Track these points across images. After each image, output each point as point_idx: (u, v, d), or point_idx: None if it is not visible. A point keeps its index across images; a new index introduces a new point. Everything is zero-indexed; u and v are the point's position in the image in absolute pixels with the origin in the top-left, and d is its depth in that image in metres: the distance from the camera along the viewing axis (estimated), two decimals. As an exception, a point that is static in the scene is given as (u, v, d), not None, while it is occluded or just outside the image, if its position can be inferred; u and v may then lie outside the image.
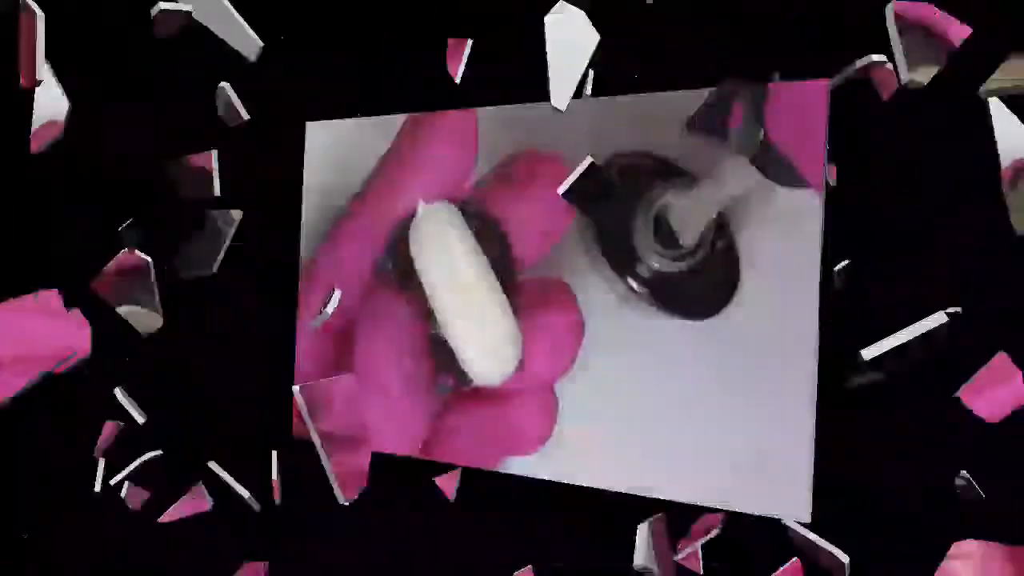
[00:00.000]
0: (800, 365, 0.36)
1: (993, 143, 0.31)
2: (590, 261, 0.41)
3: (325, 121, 0.45)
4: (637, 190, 0.39)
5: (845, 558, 0.34)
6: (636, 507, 0.38)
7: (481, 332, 0.41)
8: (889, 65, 0.33)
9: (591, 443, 0.40)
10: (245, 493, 0.45)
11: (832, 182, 0.35)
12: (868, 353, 0.34)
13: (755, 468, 0.36)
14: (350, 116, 0.45)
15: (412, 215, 0.42)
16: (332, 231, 0.45)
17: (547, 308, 0.39)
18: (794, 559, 0.34)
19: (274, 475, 0.44)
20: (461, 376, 0.41)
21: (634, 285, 0.39)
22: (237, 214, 0.45)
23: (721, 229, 0.38)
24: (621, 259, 0.39)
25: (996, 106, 0.31)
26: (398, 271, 0.42)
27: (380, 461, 0.40)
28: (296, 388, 0.36)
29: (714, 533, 0.35)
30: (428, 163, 0.43)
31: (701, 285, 0.38)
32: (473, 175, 0.42)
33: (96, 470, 0.47)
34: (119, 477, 0.47)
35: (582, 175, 0.40)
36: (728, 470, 0.37)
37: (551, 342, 0.40)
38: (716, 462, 0.37)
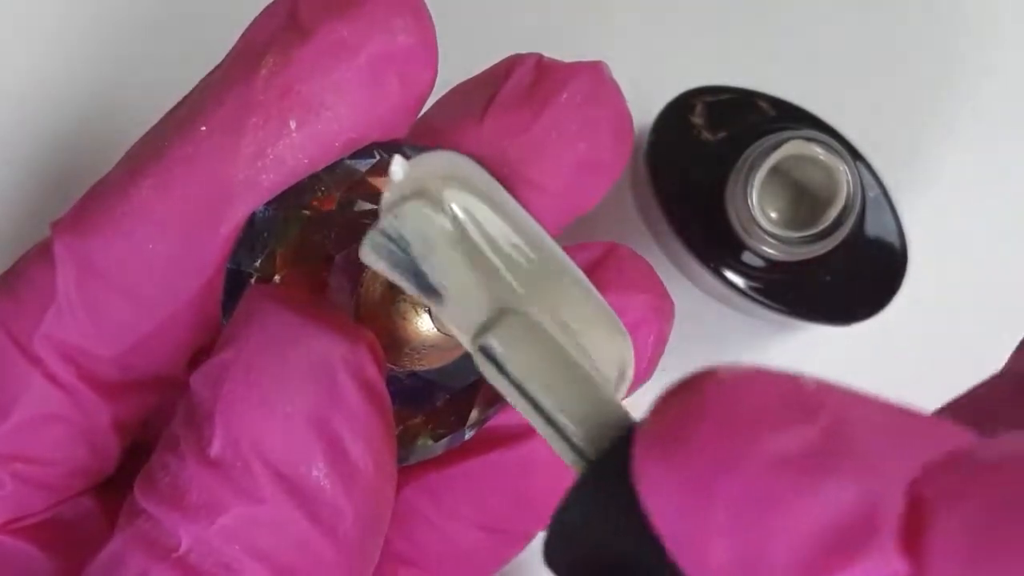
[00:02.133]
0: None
1: None
2: (658, 242, 0.28)
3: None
4: (738, 138, 0.25)
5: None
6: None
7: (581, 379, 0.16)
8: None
9: None
10: None
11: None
12: None
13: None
14: None
15: (311, 172, 0.19)
16: (93, 207, 0.19)
17: (601, 288, 0.19)
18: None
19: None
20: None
21: (736, 280, 0.26)
22: None
23: (871, 196, 0.26)
24: (710, 241, 0.26)
25: None
26: (277, 277, 0.19)
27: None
28: None
29: None
30: (337, 64, 0.18)
31: (842, 276, 0.26)
32: (431, 88, 0.20)
33: None
34: None
35: (663, 115, 0.25)
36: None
37: None
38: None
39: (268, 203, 0.19)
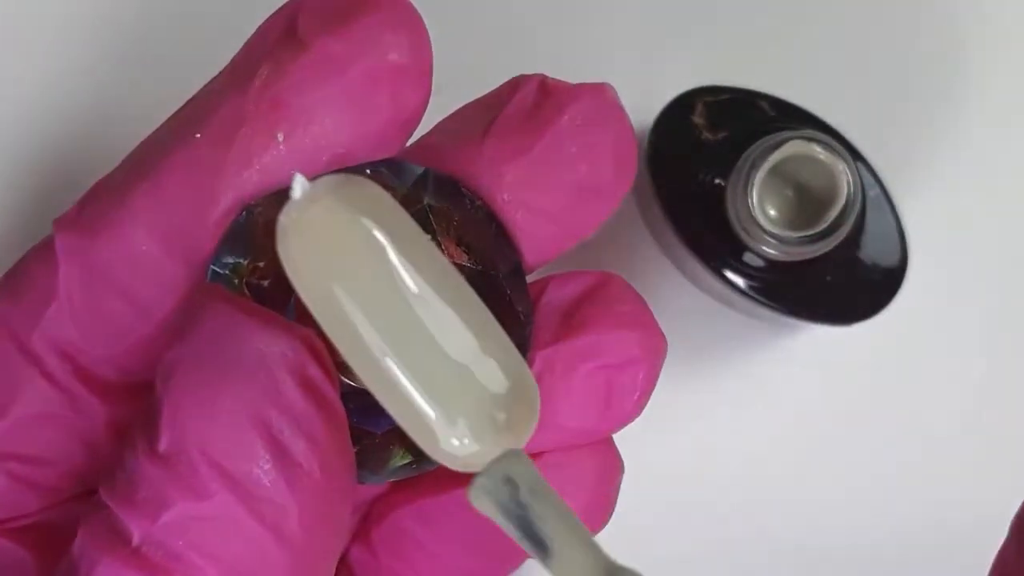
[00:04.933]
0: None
1: None
2: (658, 241, 0.28)
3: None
4: (738, 138, 0.25)
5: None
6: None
7: (450, 388, 0.18)
8: None
9: (674, 527, 0.27)
10: None
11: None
12: None
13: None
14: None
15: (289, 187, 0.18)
16: (92, 206, 0.20)
17: (590, 324, 0.20)
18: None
19: None
20: (401, 460, 0.20)
21: (736, 280, 0.26)
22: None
23: (872, 197, 0.25)
24: (710, 241, 0.26)
25: None
26: (261, 280, 0.20)
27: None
28: None
29: None
30: (327, 79, 0.19)
31: (842, 276, 0.26)
32: (422, 108, 0.20)
33: None
34: None
35: (663, 115, 0.25)
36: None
37: (605, 378, 0.20)
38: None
39: (252, 210, 0.19)
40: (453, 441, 0.18)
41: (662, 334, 0.21)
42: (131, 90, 0.28)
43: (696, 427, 0.29)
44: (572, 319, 0.20)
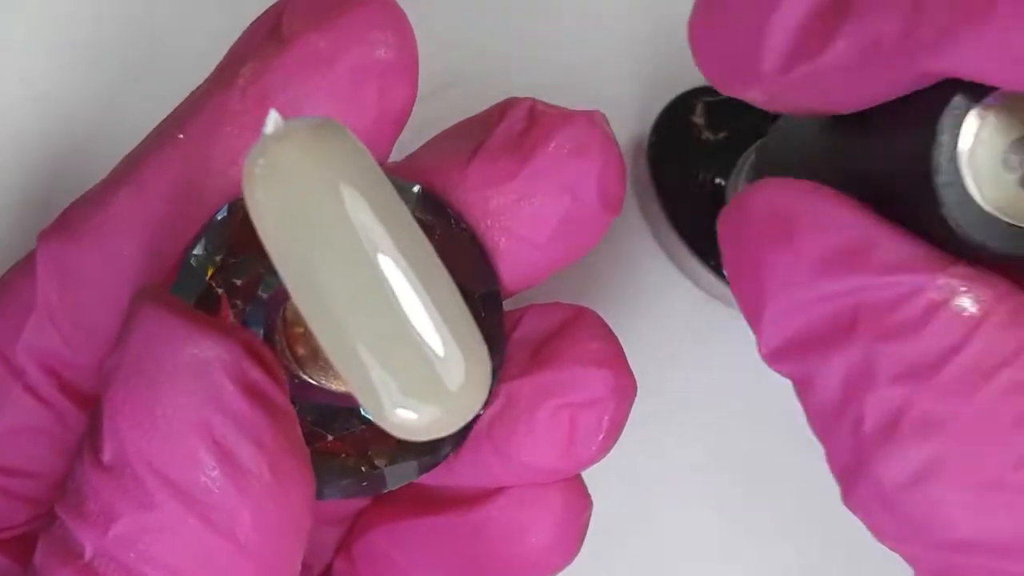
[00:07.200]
0: None
1: None
2: (658, 241, 0.28)
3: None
4: (737, 138, 0.25)
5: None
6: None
7: (403, 355, 0.16)
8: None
9: (650, 557, 0.25)
10: None
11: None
12: None
13: None
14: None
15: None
16: (73, 213, 0.20)
17: (557, 359, 0.20)
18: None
19: None
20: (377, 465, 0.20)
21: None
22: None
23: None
24: (710, 241, 0.24)
25: None
26: (235, 279, 0.19)
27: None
28: None
29: None
30: (313, 75, 0.18)
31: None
32: (410, 106, 0.19)
33: None
34: None
35: (663, 115, 0.25)
36: None
37: (569, 417, 0.20)
38: None
39: (234, 206, 0.19)
40: (398, 410, 0.17)
41: (631, 375, 0.20)
42: (131, 105, 0.28)
43: (695, 425, 0.29)
44: (540, 353, 0.20)
